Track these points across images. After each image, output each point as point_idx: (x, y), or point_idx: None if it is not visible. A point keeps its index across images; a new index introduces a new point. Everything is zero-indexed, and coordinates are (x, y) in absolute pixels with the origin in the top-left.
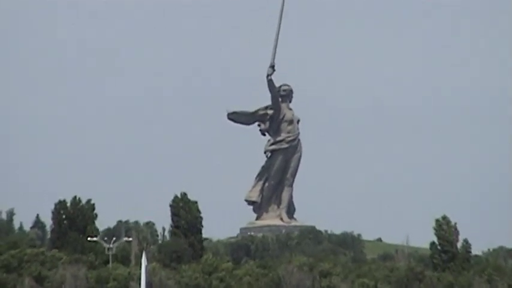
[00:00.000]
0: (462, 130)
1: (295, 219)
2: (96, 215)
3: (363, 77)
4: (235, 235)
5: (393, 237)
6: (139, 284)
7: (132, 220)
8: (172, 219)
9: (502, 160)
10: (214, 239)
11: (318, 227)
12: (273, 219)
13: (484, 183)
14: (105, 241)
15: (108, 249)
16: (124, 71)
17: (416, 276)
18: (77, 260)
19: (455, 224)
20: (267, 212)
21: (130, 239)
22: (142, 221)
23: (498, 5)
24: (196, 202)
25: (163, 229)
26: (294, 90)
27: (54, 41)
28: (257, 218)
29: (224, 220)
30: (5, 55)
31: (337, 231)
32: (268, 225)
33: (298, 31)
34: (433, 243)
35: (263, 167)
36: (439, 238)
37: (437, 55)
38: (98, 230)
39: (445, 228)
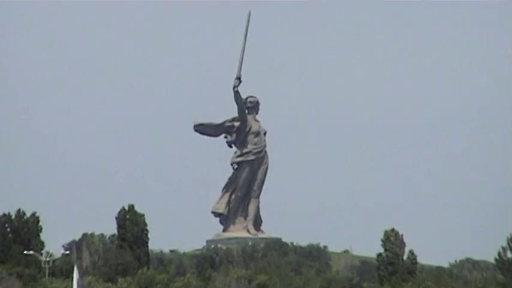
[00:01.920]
0: (430, 137)
1: (262, 231)
2: (41, 228)
3: (329, 88)
4: (201, 247)
5: (361, 248)
6: None
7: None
8: (118, 232)
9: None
10: (181, 251)
11: (284, 239)
12: (239, 231)
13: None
14: (41, 254)
15: (46, 262)
16: (79, 77)
17: None
18: (12, 273)
19: (402, 235)
20: (234, 224)
21: (67, 252)
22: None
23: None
24: (143, 215)
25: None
26: (260, 101)
27: None
28: (224, 230)
29: (191, 232)
30: None
31: (304, 243)
32: (235, 237)
33: (264, 42)
34: (379, 255)
35: (230, 178)
36: (385, 250)
37: (403, 68)
38: (43, 243)
39: (392, 240)
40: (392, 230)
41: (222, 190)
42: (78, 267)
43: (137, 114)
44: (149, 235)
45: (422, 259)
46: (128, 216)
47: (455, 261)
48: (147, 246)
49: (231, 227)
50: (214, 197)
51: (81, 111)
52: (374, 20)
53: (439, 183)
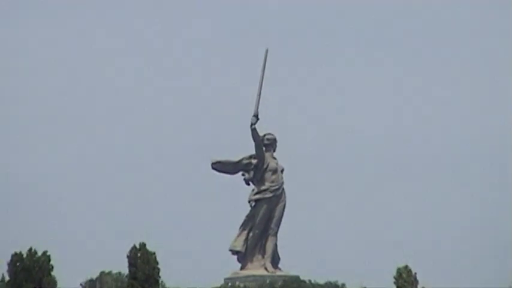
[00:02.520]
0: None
1: (279, 269)
2: (52, 267)
3: (347, 125)
4: (219, 285)
5: (378, 285)
6: None
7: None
8: (129, 270)
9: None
10: None
11: (302, 277)
12: (257, 269)
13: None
14: None
15: None
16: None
17: None
18: None
19: (415, 273)
20: (251, 261)
21: None
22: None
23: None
24: (154, 253)
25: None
26: (277, 139)
27: None
28: (242, 268)
29: (208, 270)
30: None
31: (322, 280)
32: (253, 275)
33: (282, 79)
34: None
35: (247, 216)
36: (398, 287)
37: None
38: (55, 281)
39: (404, 277)
40: (406, 267)
41: (240, 228)
42: None
43: (154, 151)
44: (165, 273)
45: None
46: (139, 255)
47: None
48: (158, 285)
49: (249, 265)
50: (231, 234)
51: (93, 149)
52: (393, 53)
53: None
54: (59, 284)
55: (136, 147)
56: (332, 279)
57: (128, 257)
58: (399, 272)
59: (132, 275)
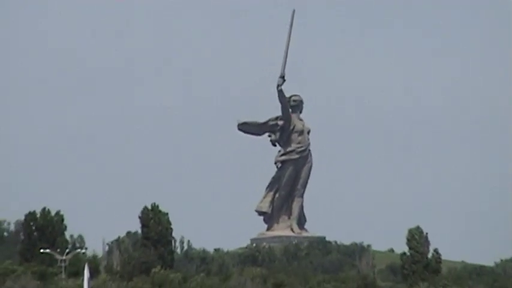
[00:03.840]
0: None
1: (305, 230)
2: (66, 227)
3: (374, 86)
4: (245, 246)
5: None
6: None
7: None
8: (142, 231)
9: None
10: (226, 249)
11: (328, 238)
12: (283, 230)
13: None
14: (58, 253)
15: (62, 261)
16: (127, 77)
17: (368, 287)
18: (27, 271)
19: (427, 234)
20: (277, 222)
21: (83, 250)
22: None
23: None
24: (167, 213)
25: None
26: (304, 100)
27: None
28: (268, 229)
29: (235, 231)
30: None
31: (348, 241)
32: (279, 236)
33: (308, 40)
34: (403, 254)
35: (274, 177)
36: (410, 248)
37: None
38: (67, 241)
39: (417, 239)
40: (417, 228)
41: (266, 189)
42: (88, 266)
43: (182, 113)
44: (192, 234)
45: (467, 258)
46: (151, 215)
47: (501, 260)
48: (171, 245)
49: (275, 226)
50: (258, 195)
51: (113, 109)
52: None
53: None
54: (70, 244)
55: (162, 108)
56: (357, 241)
57: (139, 217)
58: (411, 233)
59: (145, 235)
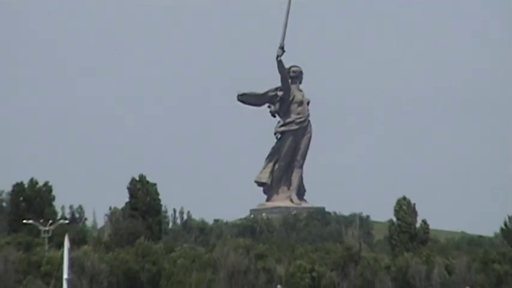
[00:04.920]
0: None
1: (305, 201)
2: (54, 197)
3: (372, 58)
4: (244, 217)
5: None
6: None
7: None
8: (130, 201)
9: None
10: (225, 220)
11: (327, 208)
12: (283, 200)
13: None
14: (41, 223)
15: (45, 231)
16: (125, 46)
17: (352, 258)
18: (9, 242)
19: (414, 204)
20: (277, 193)
21: (67, 221)
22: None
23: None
24: (155, 184)
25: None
26: (303, 71)
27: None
28: (267, 200)
29: (235, 202)
30: None
31: (347, 212)
32: (279, 207)
33: (308, 11)
34: (392, 224)
35: (273, 148)
36: (397, 219)
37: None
38: (56, 212)
39: (404, 209)
40: (404, 198)
41: (266, 160)
42: (68, 237)
43: (180, 84)
44: (191, 205)
45: (467, 228)
46: (138, 186)
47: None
48: (160, 215)
49: (275, 197)
50: (257, 166)
51: (113, 78)
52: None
53: None
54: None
55: (162, 79)
56: (357, 211)
57: (127, 188)
58: (399, 204)
59: (133, 206)
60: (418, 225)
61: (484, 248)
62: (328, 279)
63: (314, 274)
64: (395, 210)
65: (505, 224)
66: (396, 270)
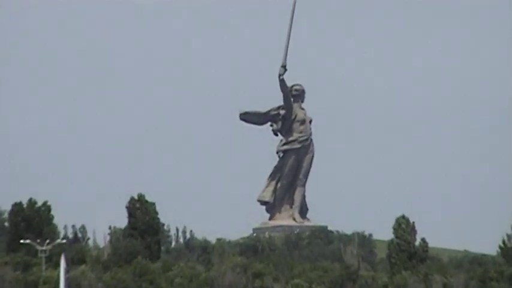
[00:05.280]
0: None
1: (308, 219)
2: (53, 217)
3: (375, 76)
4: (247, 235)
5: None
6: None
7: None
8: (128, 221)
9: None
10: (228, 239)
11: (331, 227)
12: (285, 219)
13: None
14: (38, 243)
15: (42, 251)
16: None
17: (350, 277)
18: (7, 262)
19: (413, 223)
20: (280, 212)
21: (64, 240)
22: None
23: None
24: (153, 203)
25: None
26: (305, 90)
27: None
28: (270, 218)
29: (238, 221)
30: None
31: (350, 231)
32: (281, 225)
33: (310, 30)
34: (391, 243)
35: (276, 167)
36: (397, 237)
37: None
38: (55, 232)
39: (403, 227)
40: (403, 217)
41: (268, 178)
42: (64, 257)
43: (183, 103)
44: (195, 224)
45: (470, 247)
46: (137, 205)
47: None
48: (158, 235)
49: (277, 215)
50: (260, 185)
51: (113, 98)
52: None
53: None
54: (58, 234)
55: (164, 98)
56: (359, 230)
57: (126, 207)
58: (398, 222)
59: (132, 225)
60: (417, 243)
61: (483, 266)
62: None
63: None
64: (394, 229)
65: (503, 242)
66: None
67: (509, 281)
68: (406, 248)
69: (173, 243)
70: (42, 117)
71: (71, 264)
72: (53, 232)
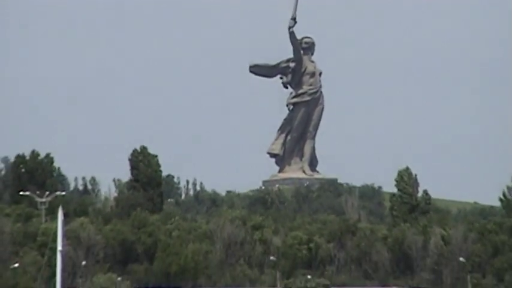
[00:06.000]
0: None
1: (317, 172)
2: (55, 169)
3: (384, 28)
4: (257, 188)
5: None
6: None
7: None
8: (131, 173)
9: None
10: (238, 192)
11: (341, 180)
12: (295, 171)
13: None
14: (37, 195)
15: (42, 203)
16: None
17: (349, 229)
18: (8, 213)
19: (416, 175)
20: (289, 164)
21: (64, 192)
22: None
23: None
24: (156, 156)
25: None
26: (315, 42)
27: None
28: (280, 171)
29: (248, 173)
30: None
31: (359, 183)
32: (291, 178)
33: None
34: (393, 195)
35: (285, 119)
36: (398, 190)
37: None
38: (57, 184)
39: (406, 180)
40: (406, 169)
41: (278, 131)
42: (61, 209)
43: (192, 55)
44: (204, 176)
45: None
46: (140, 158)
47: None
48: (161, 187)
49: (287, 168)
50: (270, 138)
51: (120, 50)
52: None
53: None
54: (60, 186)
55: (172, 51)
56: (369, 182)
57: (129, 160)
58: (400, 175)
59: (134, 178)
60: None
61: (487, 218)
62: (324, 251)
63: (311, 245)
64: (397, 181)
65: (504, 194)
66: (393, 240)
67: (509, 232)
68: (408, 200)
69: (183, 196)
70: (48, 70)
71: (73, 216)
72: (55, 184)
